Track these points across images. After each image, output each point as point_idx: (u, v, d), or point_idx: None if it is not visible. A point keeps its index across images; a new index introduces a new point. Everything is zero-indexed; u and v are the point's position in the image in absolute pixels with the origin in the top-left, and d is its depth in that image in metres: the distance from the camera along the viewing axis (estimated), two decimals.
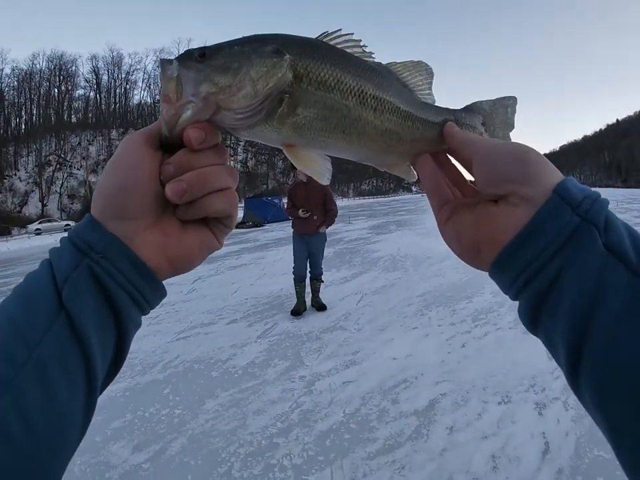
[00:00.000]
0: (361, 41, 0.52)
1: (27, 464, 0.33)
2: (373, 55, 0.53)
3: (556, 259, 0.36)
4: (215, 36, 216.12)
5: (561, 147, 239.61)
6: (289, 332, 5.33)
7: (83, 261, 0.39)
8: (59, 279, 0.38)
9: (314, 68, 0.47)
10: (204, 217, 0.46)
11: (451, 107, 0.59)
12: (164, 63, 0.43)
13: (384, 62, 0.56)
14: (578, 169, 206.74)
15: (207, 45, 0.45)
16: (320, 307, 6.23)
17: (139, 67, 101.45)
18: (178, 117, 0.42)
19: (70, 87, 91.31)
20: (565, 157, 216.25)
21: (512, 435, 2.95)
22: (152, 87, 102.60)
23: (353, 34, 0.52)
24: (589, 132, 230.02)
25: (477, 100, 0.62)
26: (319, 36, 0.51)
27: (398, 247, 11.79)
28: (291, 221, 6.20)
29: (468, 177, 0.52)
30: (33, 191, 73.97)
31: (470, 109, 0.60)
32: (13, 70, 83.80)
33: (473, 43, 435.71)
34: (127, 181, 0.41)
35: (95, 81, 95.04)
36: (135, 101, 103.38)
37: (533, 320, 0.39)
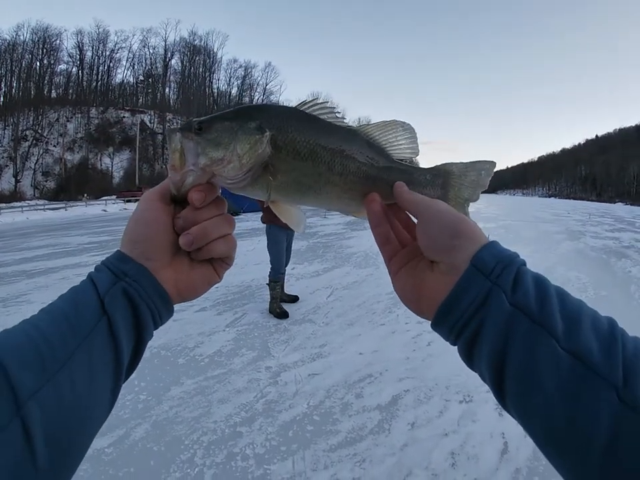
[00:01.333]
0: (335, 107, 0.61)
1: (71, 429, 0.42)
2: (345, 120, 0.62)
3: (475, 317, 0.45)
4: (203, 18, 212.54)
5: (539, 158, 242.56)
6: (257, 322, 5.33)
7: (118, 282, 0.50)
8: (101, 292, 0.49)
9: (291, 142, 0.56)
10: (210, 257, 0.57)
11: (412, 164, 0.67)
12: (170, 133, 0.54)
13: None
14: (554, 180, 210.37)
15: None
16: (293, 299, 6.18)
17: (124, 45, 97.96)
18: (183, 181, 0.53)
19: (52, 61, 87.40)
20: (542, 167, 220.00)
21: (472, 434, 3.03)
22: (136, 67, 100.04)
23: (328, 102, 0.61)
24: (568, 145, 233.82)
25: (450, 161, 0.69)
26: (299, 104, 0.60)
27: (371, 244, 11.64)
28: (270, 213, 5.42)
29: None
30: (7, 165, 71.17)
31: (435, 169, 0.67)
32: None
33: (461, 46, 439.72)
34: (148, 232, 0.53)
35: (78, 56, 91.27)
36: (117, 80, 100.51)
37: (468, 359, 0.48)
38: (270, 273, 5.70)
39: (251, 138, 0.54)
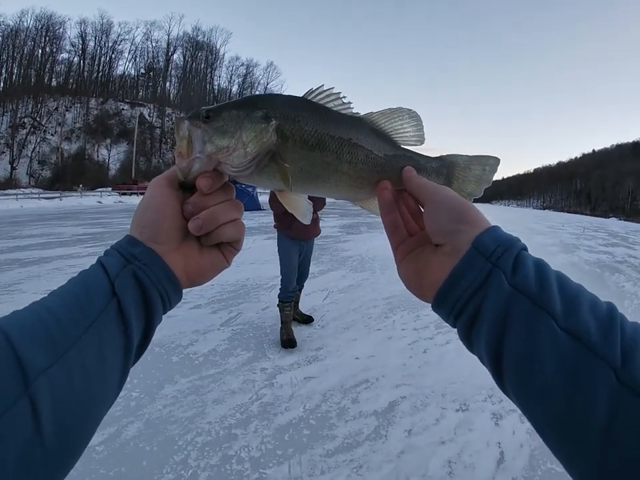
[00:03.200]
0: (340, 93, 0.61)
1: (80, 410, 0.42)
2: (351, 105, 0.62)
3: (475, 297, 0.46)
4: (208, 14, 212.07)
5: (535, 170, 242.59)
6: (252, 322, 5.29)
7: (128, 265, 0.50)
8: (112, 275, 0.49)
9: (297, 131, 0.57)
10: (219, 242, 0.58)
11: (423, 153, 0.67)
12: (179, 121, 0.55)
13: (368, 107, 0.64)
14: (549, 192, 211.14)
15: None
16: (306, 319, 5.42)
17: (127, 37, 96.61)
18: (190, 168, 0.54)
19: (55, 50, 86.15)
20: (537, 179, 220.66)
21: (468, 442, 3.02)
22: (138, 60, 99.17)
23: (333, 88, 0.61)
24: (564, 158, 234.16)
25: (456, 152, 0.68)
26: (305, 93, 0.61)
27: (367, 248, 11.81)
28: (280, 221, 4.71)
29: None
30: (3, 152, 70.25)
31: (441, 158, 0.67)
32: None
33: (464, 54, 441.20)
34: (157, 217, 0.54)
35: (80, 46, 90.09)
36: (118, 72, 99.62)
37: (467, 341, 0.49)
38: (279, 292, 4.84)
39: (256, 126, 0.55)
